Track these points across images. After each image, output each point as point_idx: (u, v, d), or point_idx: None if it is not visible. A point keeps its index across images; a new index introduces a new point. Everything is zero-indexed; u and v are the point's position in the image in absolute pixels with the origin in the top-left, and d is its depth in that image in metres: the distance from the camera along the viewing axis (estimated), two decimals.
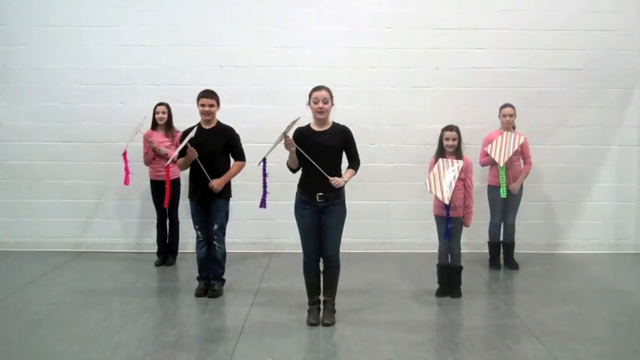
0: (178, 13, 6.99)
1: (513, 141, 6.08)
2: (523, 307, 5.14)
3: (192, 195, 5.37)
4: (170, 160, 5.43)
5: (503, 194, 6.05)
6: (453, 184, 5.04)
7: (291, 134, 4.58)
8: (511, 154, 6.02)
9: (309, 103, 4.64)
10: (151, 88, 6.97)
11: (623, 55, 7.04)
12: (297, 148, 4.52)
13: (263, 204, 4.79)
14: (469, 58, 7.01)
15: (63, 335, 4.45)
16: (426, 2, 7.01)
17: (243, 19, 6.99)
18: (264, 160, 4.65)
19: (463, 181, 5.26)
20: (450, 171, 5.08)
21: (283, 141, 4.50)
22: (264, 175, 4.72)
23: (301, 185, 4.71)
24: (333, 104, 4.65)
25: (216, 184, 5.23)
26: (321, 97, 4.56)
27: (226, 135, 5.35)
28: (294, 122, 4.54)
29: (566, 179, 7.17)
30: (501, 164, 5.98)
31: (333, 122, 4.71)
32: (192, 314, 5.02)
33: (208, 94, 5.28)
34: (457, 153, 5.27)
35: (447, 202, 5.03)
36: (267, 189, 4.79)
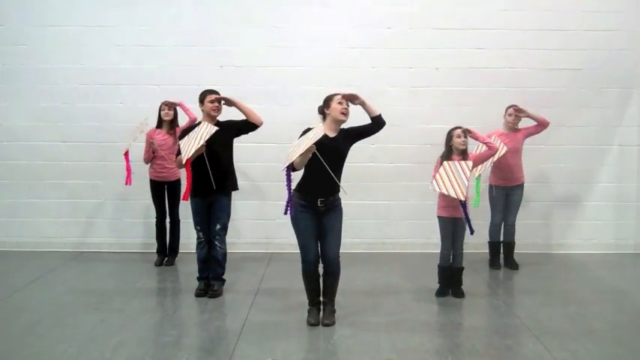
0: (178, 13, 6.99)
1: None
2: (523, 307, 5.14)
3: (193, 193, 5.31)
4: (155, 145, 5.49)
5: (476, 204, 5.49)
6: (467, 182, 4.93)
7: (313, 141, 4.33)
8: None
9: (327, 107, 4.52)
10: (150, 88, 6.97)
11: (623, 55, 7.05)
12: (314, 154, 4.28)
13: (290, 210, 4.39)
14: (469, 58, 7.01)
15: (63, 335, 4.45)
16: (426, 2, 7.01)
17: (243, 19, 6.99)
18: (289, 166, 4.32)
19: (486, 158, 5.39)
20: (459, 171, 4.99)
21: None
22: (290, 180, 4.37)
23: (301, 190, 4.55)
24: None
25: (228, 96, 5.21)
26: (344, 99, 4.51)
27: (229, 123, 5.33)
28: (321, 130, 4.34)
29: (566, 179, 7.17)
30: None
31: (341, 128, 4.61)
32: (192, 314, 5.02)
33: (214, 91, 5.32)
34: (464, 154, 5.26)
35: (462, 199, 4.90)
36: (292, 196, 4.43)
